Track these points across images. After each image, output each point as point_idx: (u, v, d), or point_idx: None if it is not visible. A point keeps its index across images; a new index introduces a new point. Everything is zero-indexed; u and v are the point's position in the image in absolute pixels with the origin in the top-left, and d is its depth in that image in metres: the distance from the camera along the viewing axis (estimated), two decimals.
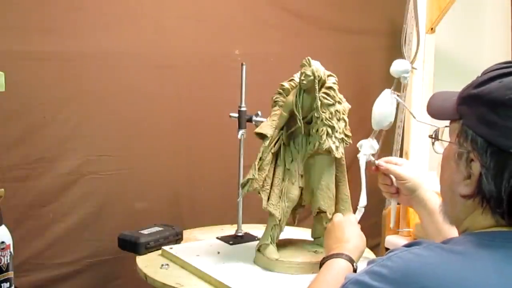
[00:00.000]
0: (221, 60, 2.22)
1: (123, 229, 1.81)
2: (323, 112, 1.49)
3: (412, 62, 2.41)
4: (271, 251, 1.57)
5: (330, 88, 1.50)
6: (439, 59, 2.48)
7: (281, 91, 1.57)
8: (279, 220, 1.57)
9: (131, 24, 2.05)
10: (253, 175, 1.54)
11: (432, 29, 2.41)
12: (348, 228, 1.29)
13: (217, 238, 1.83)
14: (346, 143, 1.54)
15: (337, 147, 1.51)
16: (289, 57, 2.05)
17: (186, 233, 1.88)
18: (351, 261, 1.18)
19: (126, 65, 2.05)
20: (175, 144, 2.17)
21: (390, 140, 2.54)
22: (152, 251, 1.72)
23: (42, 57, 1.89)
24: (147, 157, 2.12)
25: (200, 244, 1.79)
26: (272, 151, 1.56)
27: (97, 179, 2.04)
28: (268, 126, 1.57)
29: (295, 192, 1.57)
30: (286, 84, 1.57)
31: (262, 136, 1.57)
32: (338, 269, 1.15)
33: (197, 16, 2.18)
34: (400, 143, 2.54)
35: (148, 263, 1.65)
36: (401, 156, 2.45)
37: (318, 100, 1.48)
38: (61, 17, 1.92)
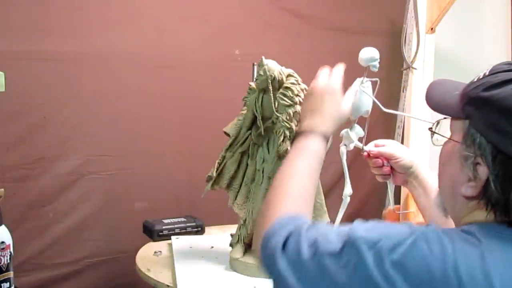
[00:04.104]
0: (221, 60, 2.22)
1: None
2: (280, 113, 1.45)
3: (412, 62, 2.43)
4: (235, 251, 1.57)
5: (287, 88, 1.44)
6: (439, 59, 2.48)
7: (249, 91, 1.54)
8: (244, 221, 1.56)
9: (131, 24, 2.05)
10: (212, 173, 1.55)
11: (432, 29, 2.41)
12: (325, 97, 1.18)
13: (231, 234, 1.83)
14: None
15: None
16: (289, 57, 2.04)
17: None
18: (325, 137, 1.13)
19: (126, 65, 2.05)
20: (175, 144, 2.17)
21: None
22: (166, 239, 1.81)
23: (42, 57, 1.90)
24: (147, 157, 2.12)
25: (205, 238, 1.83)
26: (240, 150, 1.55)
27: (97, 179, 2.04)
28: (233, 125, 1.57)
29: (261, 193, 1.53)
30: (253, 84, 1.53)
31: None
32: (310, 151, 1.10)
33: (197, 16, 2.18)
34: (400, 143, 2.54)
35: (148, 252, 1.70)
36: None
37: (274, 101, 1.45)
38: (61, 17, 1.92)
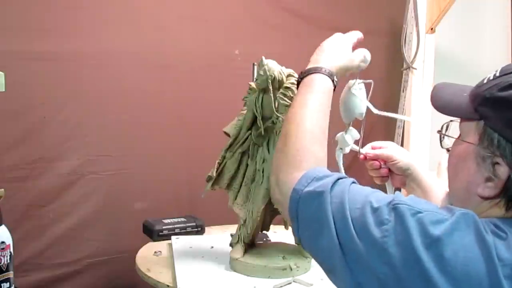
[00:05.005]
0: (221, 60, 2.22)
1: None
2: (280, 113, 1.45)
3: (412, 62, 2.43)
4: (235, 250, 1.57)
5: (287, 88, 1.45)
6: (439, 59, 2.48)
7: (249, 91, 1.54)
8: (244, 221, 1.56)
9: (131, 24, 2.05)
10: (212, 173, 1.55)
11: (432, 29, 2.41)
12: (333, 42, 1.23)
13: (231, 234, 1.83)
14: None
15: None
16: (289, 57, 2.04)
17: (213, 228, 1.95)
18: (330, 75, 1.12)
19: (126, 65, 2.05)
20: (175, 144, 2.17)
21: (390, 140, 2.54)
22: (166, 239, 1.80)
23: (42, 57, 1.90)
24: (147, 157, 2.12)
25: (205, 238, 1.83)
26: (240, 150, 1.56)
27: (97, 179, 2.04)
28: (233, 125, 1.57)
29: (261, 193, 1.53)
30: (253, 84, 1.53)
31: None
32: (317, 86, 1.11)
33: (197, 16, 2.18)
34: (400, 143, 2.54)
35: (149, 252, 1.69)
36: None
37: (274, 100, 1.45)
38: (61, 17, 1.92)
